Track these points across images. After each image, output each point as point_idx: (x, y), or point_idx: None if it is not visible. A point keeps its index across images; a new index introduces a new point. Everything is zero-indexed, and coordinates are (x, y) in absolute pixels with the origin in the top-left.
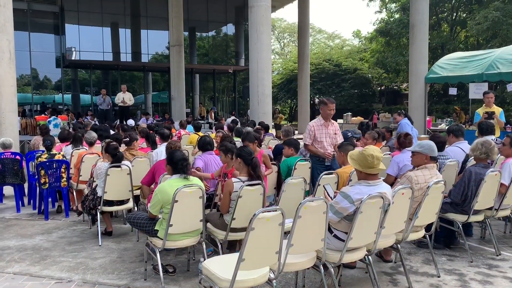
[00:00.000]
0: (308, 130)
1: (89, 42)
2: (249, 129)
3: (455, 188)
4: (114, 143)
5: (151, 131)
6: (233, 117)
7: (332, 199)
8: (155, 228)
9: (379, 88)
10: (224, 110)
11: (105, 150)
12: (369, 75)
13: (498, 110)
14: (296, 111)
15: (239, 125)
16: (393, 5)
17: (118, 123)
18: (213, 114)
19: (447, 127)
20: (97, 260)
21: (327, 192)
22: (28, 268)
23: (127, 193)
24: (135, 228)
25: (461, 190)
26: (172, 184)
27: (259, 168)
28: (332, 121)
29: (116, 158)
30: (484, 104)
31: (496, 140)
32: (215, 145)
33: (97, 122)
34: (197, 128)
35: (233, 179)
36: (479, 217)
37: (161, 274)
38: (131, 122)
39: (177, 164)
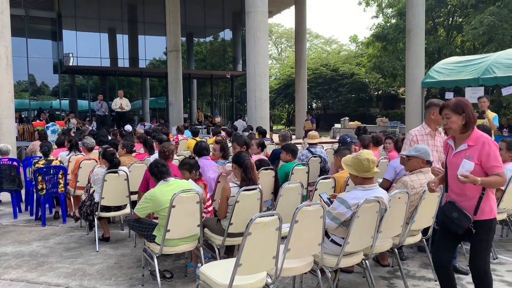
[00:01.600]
0: (409, 140)
1: (86, 48)
2: (246, 134)
3: None
4: (111, 149)
5: (149, 137)
6: (240, 121)
7: (328, 206)
8: (153, 234)
9: (376, 93)
10: (222, 115)
11: (102, 156)
12: (366, 80)
13: (492, 115)
14: (293, 116)
15: (239, 131)
16: (390, 10)
17: (115, 128)
18: (219, 118)
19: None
20: (95, 266)
21: (323, 200)
22: (25, 275)
23: (124, 198)
24: (134, 231)
25: None
26: (162, 190)
27: (251, 170)
28: (440, 130)
29: (113, 164)
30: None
31: None
32: (211, 150)
33: (94, 128)
34: (194, 133)
35: (230, 184)
36: None
37: (159, 279)
38: (128, 127)
39: (152, 170)
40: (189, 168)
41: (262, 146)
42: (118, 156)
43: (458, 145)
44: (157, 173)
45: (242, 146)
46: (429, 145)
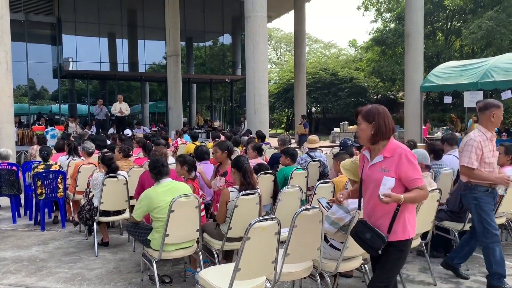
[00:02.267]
0: (474, 147)
1: (86, 52)
2: (246, 138)
3: (451, 196)
4: (110, 153)
5: (148, 141)
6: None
7: (327, 211)
8: (147, 238)
9: (375, 97)
10: (222, 120)
11: (101, 160)
12: (365, 84)
13: None
14: (293, 120)
15: (240, 134)
16: (389, 14)
17: (114, 132)
18: (218, 123)
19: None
20: (94, 271)
21: (322, 206)
22: (24, 280)
23: (123, 203)
24: (131, 236)
25: (458, 198)
26: (156, 190)
27: (249, 174)
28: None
29: (111, 169)
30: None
31: None
32: (211, 154)
33: (93, 132)
34: (194, 138)
35: (229, 189)
36: None
37: (158, 284)
38: (128, 131)
39: (152, 170)
40: (182, 161)
41: (258, 150)
42: (115, 160)
43: (374, 156)
44: (156, 173)
45: (224, 151)
46: (490, 151)
